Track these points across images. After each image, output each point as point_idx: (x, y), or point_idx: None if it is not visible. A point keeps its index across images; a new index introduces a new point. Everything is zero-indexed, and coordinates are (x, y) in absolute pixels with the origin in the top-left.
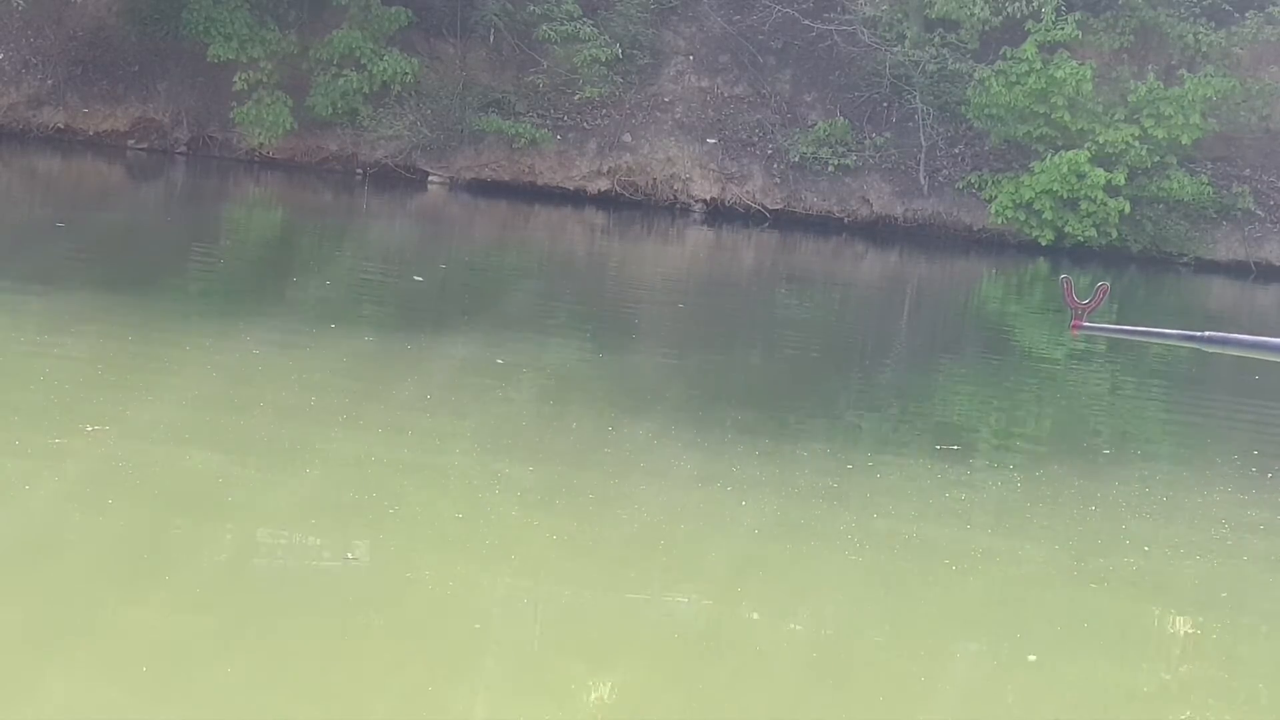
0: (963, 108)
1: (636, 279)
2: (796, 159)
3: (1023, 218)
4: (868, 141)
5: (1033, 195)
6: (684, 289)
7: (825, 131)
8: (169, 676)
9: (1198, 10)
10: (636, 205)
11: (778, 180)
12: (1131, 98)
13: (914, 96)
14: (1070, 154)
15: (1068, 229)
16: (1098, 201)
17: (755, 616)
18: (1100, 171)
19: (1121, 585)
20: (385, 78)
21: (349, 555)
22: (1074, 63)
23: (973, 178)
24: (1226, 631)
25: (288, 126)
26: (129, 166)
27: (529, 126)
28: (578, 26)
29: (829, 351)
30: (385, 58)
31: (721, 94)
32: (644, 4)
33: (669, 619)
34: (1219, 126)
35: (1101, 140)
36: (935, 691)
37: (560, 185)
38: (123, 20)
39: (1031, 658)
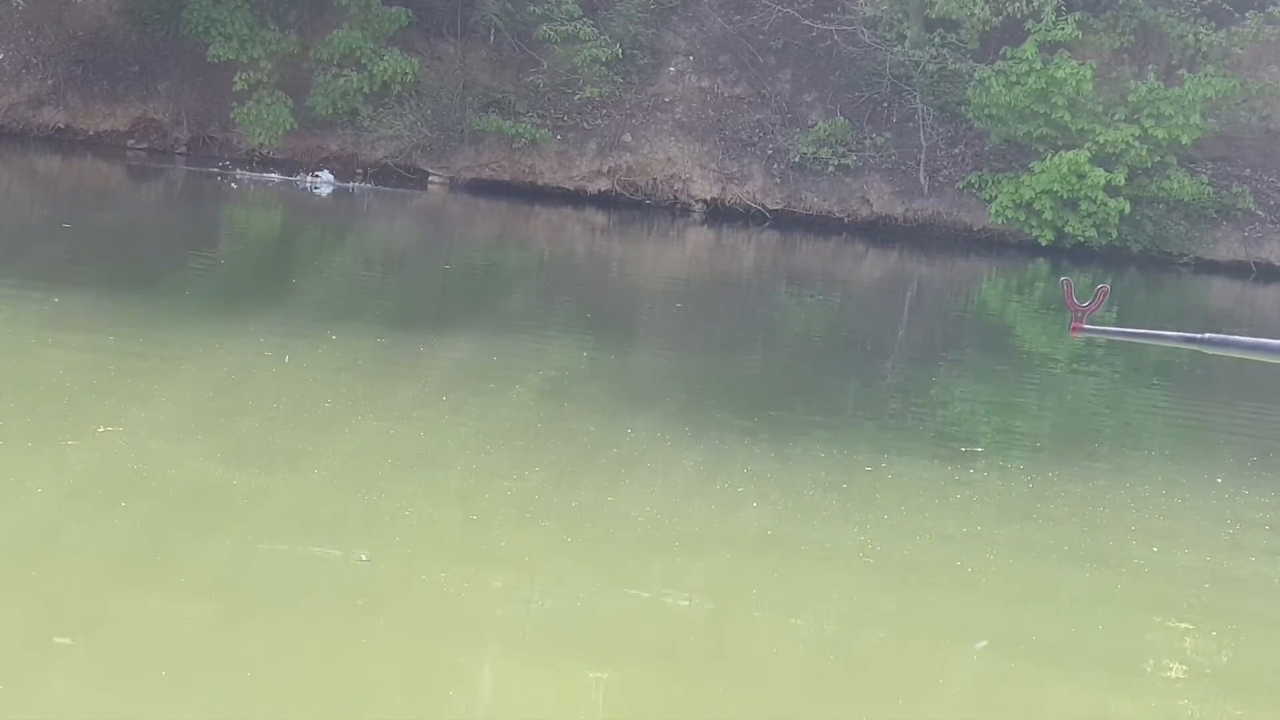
0: (963, 108)
1: (636, 279)
2: (796, 159)
3: (1023, 218)
4: (868, 141)
5: (1033, 195)
6: (684, 289)
7: (825, 131)
8: (171, 676)
9: (1198, 10)
10: (636, 205)
11: (778, 180)
12: (1131, 98)
13: (914, 96)
14: (1070, 154)
15: (1068, 229)
16: (1098, 201)
17: (758, 616)
18: (1100, 171)
19: (1128, 585)
20: (385, 78)
21: (362, 557)
22: (1074, 63)
23: (973, 178)
24: (1232, 631)
25: (288, 126)
26: (129, 166)
27: (529, 126)
28: (578, 26)
29: (829, 352)
30: (385, 58)
31: (721, 94)
32: (644, 4)
33: (671, 619)
34: (1219, 126)
35: (1101, 140)
36: (939, 692)
37: (560, 185)
38: (123, 20)
39: (1035, 658)
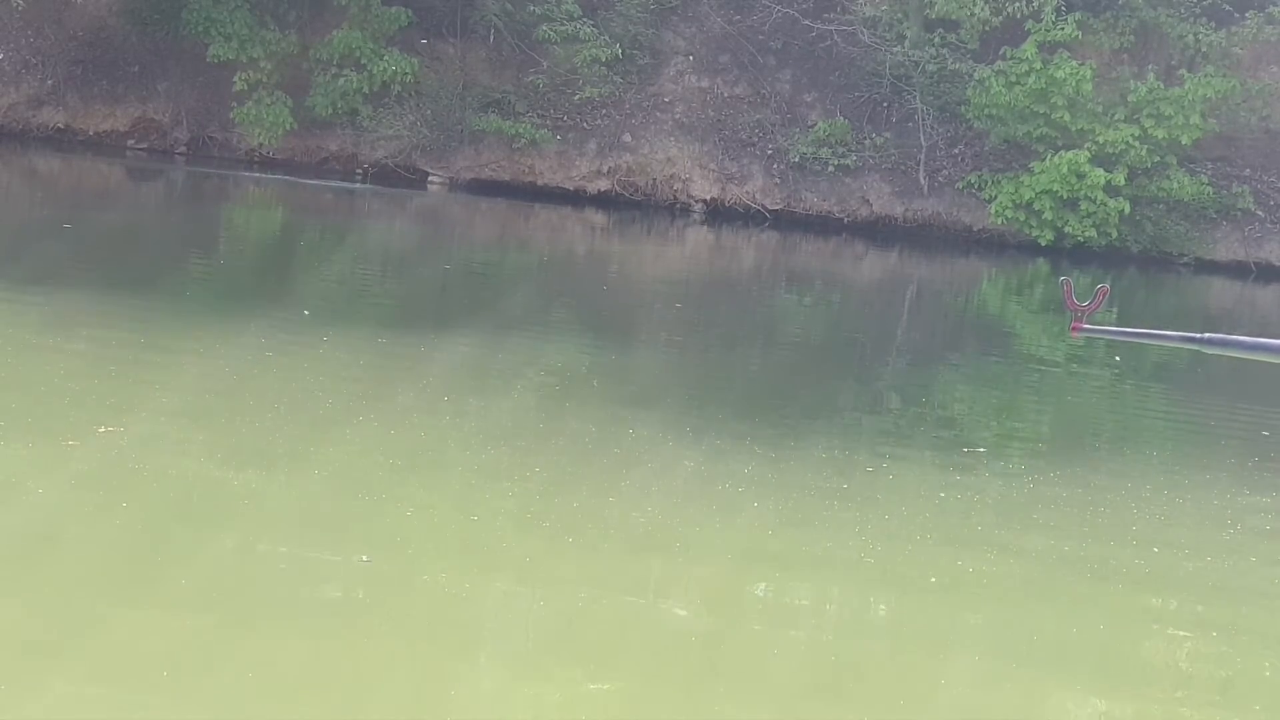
0: (963, 108)
1: (636, 279)
2: (796, 159)
3: (1023, 218)
4: (868, 141)
5: (1033, 195)
6: (684, 289)
7: (825, 131)
8: (171, 677)
9: (1198, 10)
10: (636, 205)
11: (778, 180)
12: (1131, 98)
13: (914, 96)
14: (1070, 154)
15: (1068, 229)
16: (1097, 202)
17: (758, 618)
18: (1100, 172)
19: (1128, 587)
20: (385, 78)
21: (363, 558)
22: (1074, 63)
23: (973, 178)
24: (1232, 632)
25: (288, 126)
26: (129, 167)
27: (529, 126)
28: (578, 26)
29: (829, 352)
30: (385, 58)
31: (721, 94)
32: (644, 4)
33: (671, 621)
34: (1219, 126)
35: (1101, 140)
36: (938, 694)
37: (560, 185)
38: (123, 20)
39: (1036, 658)
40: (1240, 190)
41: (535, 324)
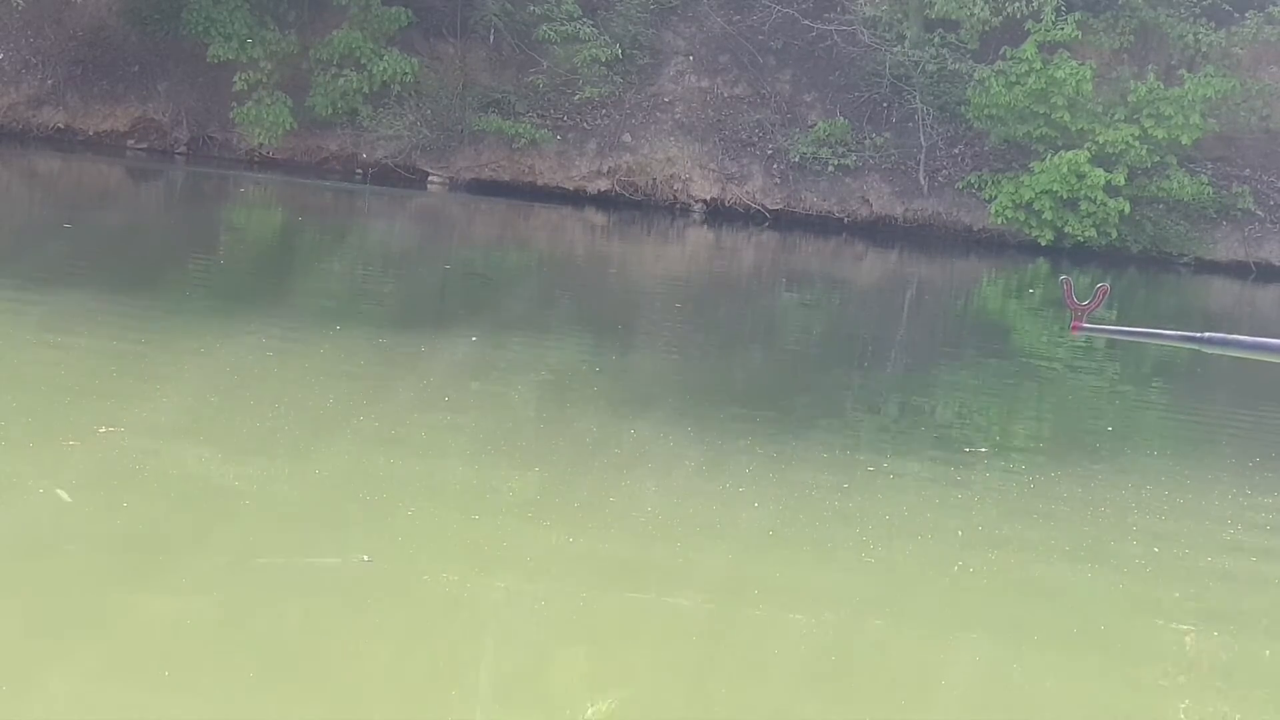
0: (963, 108)
1: (636, 279)
2: (796, 159)
3: (1023, 218)
4: (868, 141)
5: (1033, 195)
6: (684, 289)
7: (825, 131)
8: (172, 676)
9: (1198, 10)
10: (636, 205)
11: (778, 180)
12: (1131, 98)
13: (914, 96)
14: (1070, 154)
15: (1068, 229)
16: (1097, 202)
17: (759, 616)
18: (1100, 171)
19: (1128, 585)
20: (385, 78)
21: (364, 558)
22: (1074, 63)
23: (972, 178)
24: (1233, 631)
25: (288, 126)
26: (129, 167)
27: (529, 126)
28: (578, 26)
29: (829, 352)
30: (385, 58)
31: (721, 94)
32: (644, 4)
33: (672, 619)
34: (1219, 126)
35: (1101, 140)
36: (939, 693)
37: (560, 185)
38: (123, 20)
39: (1035, 658)
40: (1240, 190)
41: (535, 324)
